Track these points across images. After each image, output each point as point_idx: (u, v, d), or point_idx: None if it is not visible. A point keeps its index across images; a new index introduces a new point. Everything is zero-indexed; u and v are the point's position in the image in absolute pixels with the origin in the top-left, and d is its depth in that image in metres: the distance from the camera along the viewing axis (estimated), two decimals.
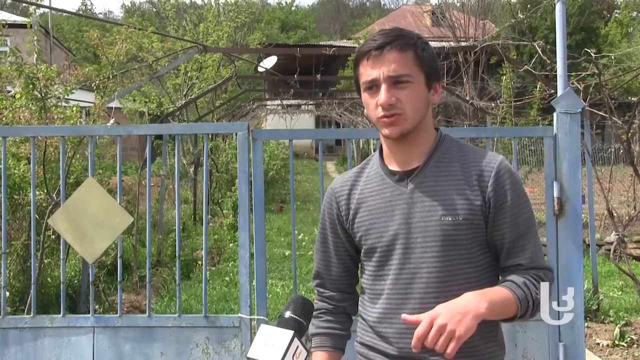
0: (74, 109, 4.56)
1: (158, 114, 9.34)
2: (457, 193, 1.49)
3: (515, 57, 10.23)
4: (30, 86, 4.16)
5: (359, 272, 1.70)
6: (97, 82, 5.03)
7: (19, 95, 4.23)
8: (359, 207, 1.58)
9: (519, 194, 1.50)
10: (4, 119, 4.14)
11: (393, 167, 1.56)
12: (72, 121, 4.38)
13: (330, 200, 1.66)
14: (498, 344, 1.55)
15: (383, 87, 1.46)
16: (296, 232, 6.33)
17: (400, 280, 1.51)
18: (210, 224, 10.25)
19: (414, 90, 1.47)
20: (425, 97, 1.51)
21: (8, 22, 5.08)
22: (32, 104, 4.13)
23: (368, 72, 1.48)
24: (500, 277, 1.54)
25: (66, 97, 4.50)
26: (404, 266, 1.50)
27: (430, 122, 1.57)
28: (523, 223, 1.50)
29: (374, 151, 1.64)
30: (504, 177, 1.49)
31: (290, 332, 1.42)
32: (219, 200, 11.74)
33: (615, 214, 5.08)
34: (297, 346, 1.42)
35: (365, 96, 1.52)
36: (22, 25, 4.58)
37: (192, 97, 9.98)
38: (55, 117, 4.27)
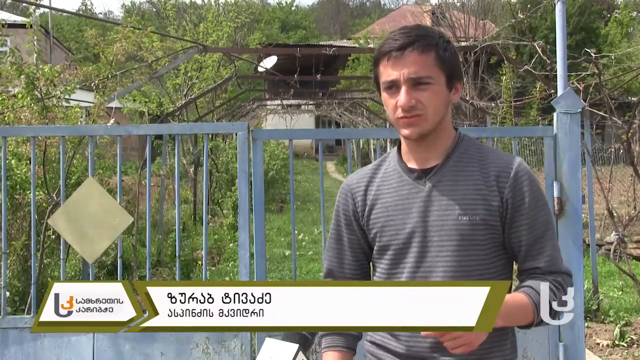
0: (76, 109, 4.56)
1: (158, 114, 9.34)
2: (474, 193, 1.48)
3: (515, 57, 10.24)
4: (31, 86, 4.16)
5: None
6: (96, 81, 5.03)
7: (20, 95, 4.24)
8: (375, 203, 1.57)
9: (537, 195, 1.49)
10: (5, 119, 4.15)
11: (411, 164, 1.55)
12: (73, 122, 4.38)
13: (345, 195, 1.64)
14: (509, 349, 1.54)
15: (403, 88, 1.44)
16: (296, 232, 6.33)
17: (415, 278, 1.50)
18: (210, 224, 10.24)
19: (435, 92, 1.46)
20: (446, 98, 1.50)
21: (8, 22, 5.07)
22: (34, 104, 4.13)
23: (388, 72, 1.46)
24: (518, 280, 1.53)
25: (66, 97, 4.50)
26: (419, 264, 1.49)
27: (450, 121, 1.56)
28: (541, 225, 1.49)
29: (374, 151, 1.64)
30: (523, 179, 1.48)
31: (295, 346, 1.42)
32: (219, 200, 11.75)
33: (615, 214, 5.08)
34: None
35: (384, 96, 1.51)
36: (22, 25, 4.58)
37: (192, 97, 9.98)
38: (58, 117, 4.27)
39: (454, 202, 1.48)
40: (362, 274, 1.66)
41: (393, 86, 1.47)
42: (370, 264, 1.67)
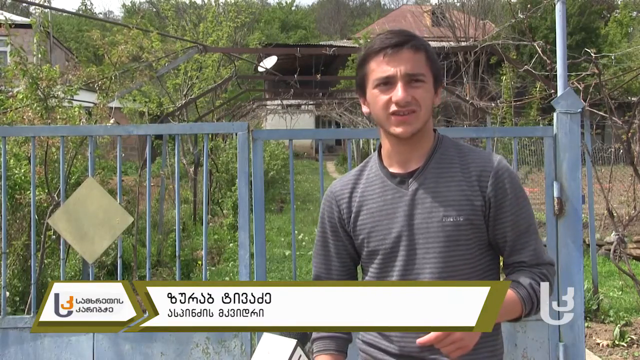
0: (76, 109, 4.56)
1: (158, 114, 9.34)
2: (457, 194, 1.50)
3: (515, 57, 10.23)
4: (34, 86, 4.16)
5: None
6: (99, 83, 5.03)
7: (21, 96, 4.23)
8: (360, 209, 1.59)
9: (517, 192, 1.52)
10: (7, 118, 4.14)
11: (393, 169, 1.57)
12: (76, 122, 4.37)
13: (330, 203, 1.66)
14: (499, 344, 1.58)
15: (399, 84, 1.46)
16: (296, 232, 6.33)
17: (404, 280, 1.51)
18: (210, 224, 10.24)
19: (426, 90, 1.49)
20: (433, 98, 1.53)
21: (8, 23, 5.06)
22: (36, 103, 4.13)
23: (383, 68, 1.48)
24: (505, 274, 1.56)
25: (69, 97, 4.50)
26: (407, 267, 1.51)
27: (432, 123, 1.58)
28: (524, 221, 1.52)
29: (374, 151, 1.65)
30: (503, 177, 1.51)
31: (293, 341, 1.42)
32: (219, 200, 11.75)
33: (615, 214, 5.07)
34: (300, 355, 1.42)
35: (374, 92, 1.51)
36: (22, 25, 4.59)
37: (192, 97, 9.98)
38: (58, 117, 4.27)
39: (438, 204, 1.50)
40: (349, 278, 1.68)
41: (388, 82, 1.48)
42: (358, 266, 1.69)
